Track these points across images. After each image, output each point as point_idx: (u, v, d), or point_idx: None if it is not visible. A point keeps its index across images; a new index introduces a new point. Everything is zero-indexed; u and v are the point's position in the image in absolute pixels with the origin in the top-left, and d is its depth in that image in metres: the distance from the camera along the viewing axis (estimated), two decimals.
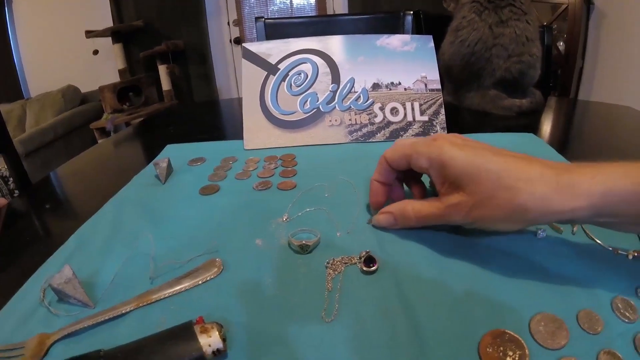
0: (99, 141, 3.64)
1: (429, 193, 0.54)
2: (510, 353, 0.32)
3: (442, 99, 0.87)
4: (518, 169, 0.39)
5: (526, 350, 0.33)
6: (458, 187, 0.43)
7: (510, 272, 0.42)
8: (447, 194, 0.44)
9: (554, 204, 0.37)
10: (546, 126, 1.03)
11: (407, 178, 0.54)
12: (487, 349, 0.33)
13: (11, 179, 1.56)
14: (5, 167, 1.16)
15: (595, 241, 0.46)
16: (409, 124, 0.85)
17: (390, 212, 0.50)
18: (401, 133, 0.84)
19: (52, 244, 0.53)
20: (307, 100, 0.86)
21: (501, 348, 0.33)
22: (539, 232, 0.48)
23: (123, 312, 0.39)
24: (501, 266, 0.43)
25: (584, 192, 0.36)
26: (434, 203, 0.46)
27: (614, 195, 0.36)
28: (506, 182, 0.39)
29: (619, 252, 0.44)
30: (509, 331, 0.34)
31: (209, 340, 0.33)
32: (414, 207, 0.48)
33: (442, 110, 0.86)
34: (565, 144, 0.92)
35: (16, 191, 1.41)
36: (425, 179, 0.54)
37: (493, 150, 0.42)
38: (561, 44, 2.96)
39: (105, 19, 4.15)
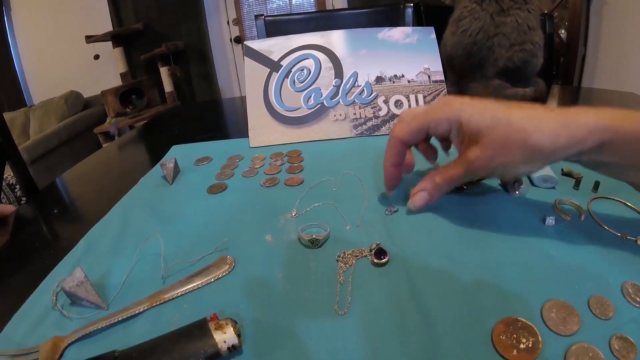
0: (104, 145, 3.65)
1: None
2: (524, 340, 0.32)
3: (445, 90, 0.87)
4: (526, 113, 0.42)
5: (539, 337, 0.33)
6: (476, 142, 0.44)
7: (519, 260, 0.42)
8: (467, 151, 0.46)
9: (562, 138, 0.40)
10: None
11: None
12: (500, 337, 0.33)
13: (18, 186, 1.56)
14: (12, 174, 1.16)
15: (604, 227, 0.46)
16: None
17: (423, 189, 0.51)
18: None
19: (61, 248, 0.53)
20: (310, 96, 0.86)
21: (514, 335, 0.33)
22: (548, 219, 0.48)
23: (136, 312, 0.39)
24: (510, 254, 0.43)
25: (589, 125, 0.39)
26: (457, 163, 0.48)
27: (615, 132, 0.38)
28: (517, 126, 0.41)
29: (628, 237, 0.44)
30: (521, 318, 0.34)
31: (224, 337, 0.33)
32: (441, 176, 0.49)
33: None
34: None
35: (23, 198, 1.41)
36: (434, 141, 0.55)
37: (500, 103, 0.44)
38: (563, 32, 2.95)
39: (104, 24, 4.15)
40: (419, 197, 0.51)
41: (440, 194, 0.51)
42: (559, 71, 3.00)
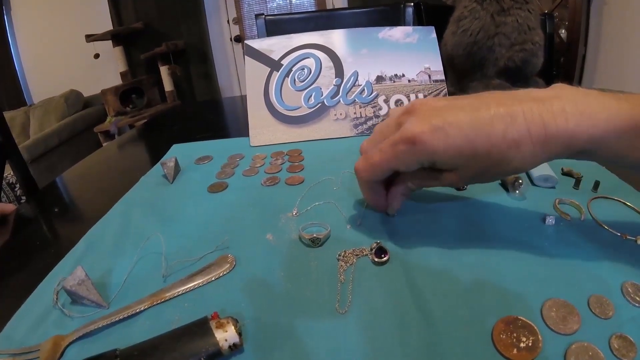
0: (104, 144, 3.65)
1: None
2: (524, 339, 0.32)
3: (446, 89, 0.87)
4: (506, 135, 0.38)
5: (539, 336, 0.33)
6: (452, 170, 0.43)
7: (519, 260, 0.42)
8: (442, 173, 0.44)
9: (543, 156, 0.39)
10: None
11: None
12: (501, 336, 0.33)
13: (18, 185, 1.56)
14: (12, 173, 1.16)
15: (604, 227, 0.46)
16: None
17: (399, 195, 0.49)
18: None
19: (62, 247, 0.53)
20: (311, 95, 0.86)
21: (514, 334, 0.33)
22: (547, 219, 0.48)
23: (137, 311, 0.39)
24: (510, 254, 0.43)
25: (570, 140, 0.37)
26: (431, 177, 0.46)
27: (595, 142, 0.37)
28: (497, 157, 0.39)
29: (628, 237, 0.44)
30: (521, 317, 0.34)
31: (225, 335, 0.33)
32: (414, 183, 0.48)
33: None
34: None
35: (23, 197, 1.42)
36: None
37: (474, 119, 0.39)
38: (563, 31, 2.95)
39: (104, 23, 4.16)
40: (397, 203, 0.50)
41: (412, 192, 0.50)
42: (559, 71, 3.00)
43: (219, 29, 4.39)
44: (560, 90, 0.40)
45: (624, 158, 0.38)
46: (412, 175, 0.47)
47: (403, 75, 0.87)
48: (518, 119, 0.38)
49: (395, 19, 1.53)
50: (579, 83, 2.97)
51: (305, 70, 0.87)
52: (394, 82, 0.87)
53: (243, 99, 1.45)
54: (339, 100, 0.86)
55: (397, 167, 0.44)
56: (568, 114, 0.37)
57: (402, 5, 1.51)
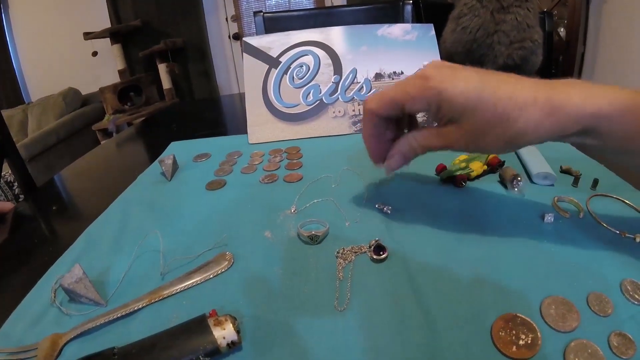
0: (102, 142, 3.64)
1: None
2: (523, 336, 0.32)
3: None
4: (512, 97, 0.39)
5: (538, 333, 0.33)
6: (457, 122, 0.42)
7: (518, 257, 0.42)
8: (446, 127, 0.43)
9: (547, 127, 0.38)
10: None
11: None
12: (500, 333, 0.33)
13: (16, 183, 1.56)
14: (10, 172, 1.15)
15: (603, 225, 0.46)
16: None
17: (398, 152, 0.48)
18: None
19: (60, 245, 0.53)
20: (310, 93, 0.86)
21: (513, 332, 0.33)
22: (546, 216, 0.48)
23: (135, 308, 0.39)
24: (509, 251, 0.43)
25: (575, 113, 0.37)
26: (436, 135, 0.45)
27: (600, 118, 0.37)
28: (502, 112, 0.39)
29: (626, 234, 0.44)
30: (520, 315, 0.34)
31: (223, 333, 0.33)
32: (417, 140, 0.47)
33: None
34: None
35: (21, 196, 1.41)
36: None
37: (483, 78, 0.41)
38: (562, 30, 2.95)
39: (102, 20, 4.14)
40: (395, 161, 0.49)
41: (414, 157, 0.49)
42: (558, 69, 3.00)
43: (218, 26, 4.38)
44: (566, 80, 0.40)
45: (629, 141, 0.38)
46: (417, 130, 0.47)
47: (402, 73, 0.87)
48: (525, 86, 0.39)
49: (394, 17, 1.53)
50: None
51: (304, 67, 0.87)
52: (393, 79, 0.86)
53: (241, 96, 1.44)
54: (338, 98, 0.86)
55: (406, 101, 0.44)
56: (572, 94, 0.38)
57: (401, 3, 1.51)
